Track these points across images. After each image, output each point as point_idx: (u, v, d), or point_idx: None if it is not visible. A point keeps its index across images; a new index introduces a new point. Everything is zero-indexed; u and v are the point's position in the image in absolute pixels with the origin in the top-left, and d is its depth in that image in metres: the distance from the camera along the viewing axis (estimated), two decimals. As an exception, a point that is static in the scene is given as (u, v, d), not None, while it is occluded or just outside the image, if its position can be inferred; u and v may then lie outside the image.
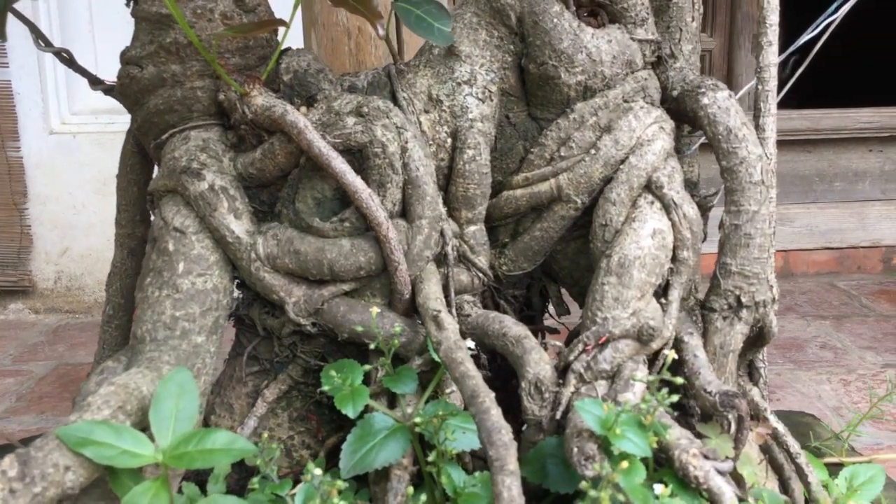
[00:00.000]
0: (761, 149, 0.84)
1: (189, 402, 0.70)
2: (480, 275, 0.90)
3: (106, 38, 2.23)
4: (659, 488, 0.67)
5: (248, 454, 0.67)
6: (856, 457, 1.17)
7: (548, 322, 1.05)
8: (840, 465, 1.09)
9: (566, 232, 0.92)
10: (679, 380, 0.72)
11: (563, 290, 1.01)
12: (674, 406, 0.87)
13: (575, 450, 0.70)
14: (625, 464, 0.66)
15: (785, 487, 0.90)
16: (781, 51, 0.90)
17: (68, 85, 2.27)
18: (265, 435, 0.75)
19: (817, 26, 1.01)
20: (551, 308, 1.04)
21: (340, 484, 0.66)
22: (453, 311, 0.87)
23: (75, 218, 2.32)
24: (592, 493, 0.64)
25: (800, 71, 1.05)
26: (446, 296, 0.87)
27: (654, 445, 0.71)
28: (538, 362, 0.79)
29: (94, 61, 2.08)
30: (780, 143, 2.78)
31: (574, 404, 0.71)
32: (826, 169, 2.60)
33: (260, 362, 0.88)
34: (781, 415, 1.36)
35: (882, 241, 2.57)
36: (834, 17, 0.98)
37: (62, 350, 1.97)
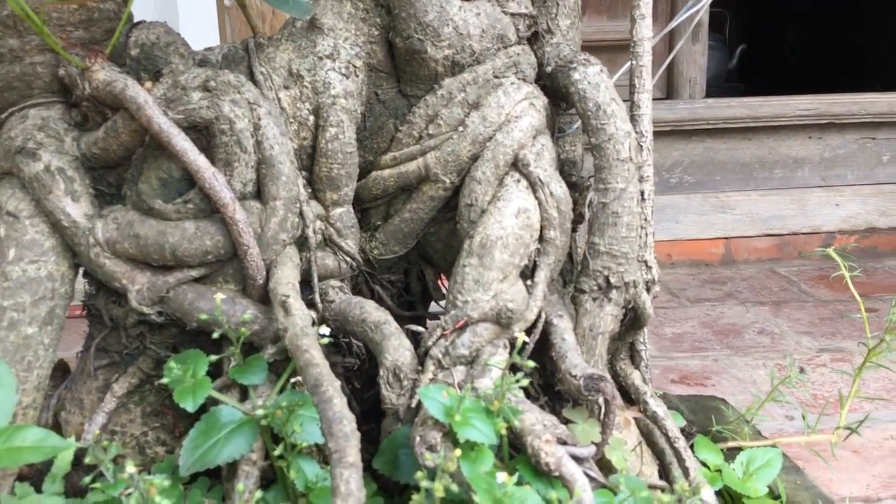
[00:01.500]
0: (630, 125, 0.82)
1: (5, 397, 0.66)
2: (348, 259, 0.86)
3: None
4: (502, 477, 0.64)
5: (60, 451, 0.63)
6: (760, 440, 1.15)
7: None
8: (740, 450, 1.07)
9: (438, 213, 0.88)
10: (530, 363, 0.69)
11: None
12: (547, 391, 0.84)
13: (418, 439, 0.67)
14: (458, 451, 0.62)
15: (666, 473, 0.87)
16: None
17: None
18: (97, 432, 0.70)
19: (689, 8, 0.99)
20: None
21: (159, 482, 0.62)
22: (316, 296, 0.83)
23: None
24: (425, 483, 0.61)
25: (668, 61, 1.02)
26: (309, 281, 0.83)
27: (504, 432, 0.67)
28: (397, 348, 0.76)
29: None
30: (721, 131, 2.78)
31: (418, 391, 0.68)
32: (766, 156, 2.61)
33: (109, 355, 0.83)
34: (691, 399, 1.35)
35: (822, 228, 2.59)
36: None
37: None
